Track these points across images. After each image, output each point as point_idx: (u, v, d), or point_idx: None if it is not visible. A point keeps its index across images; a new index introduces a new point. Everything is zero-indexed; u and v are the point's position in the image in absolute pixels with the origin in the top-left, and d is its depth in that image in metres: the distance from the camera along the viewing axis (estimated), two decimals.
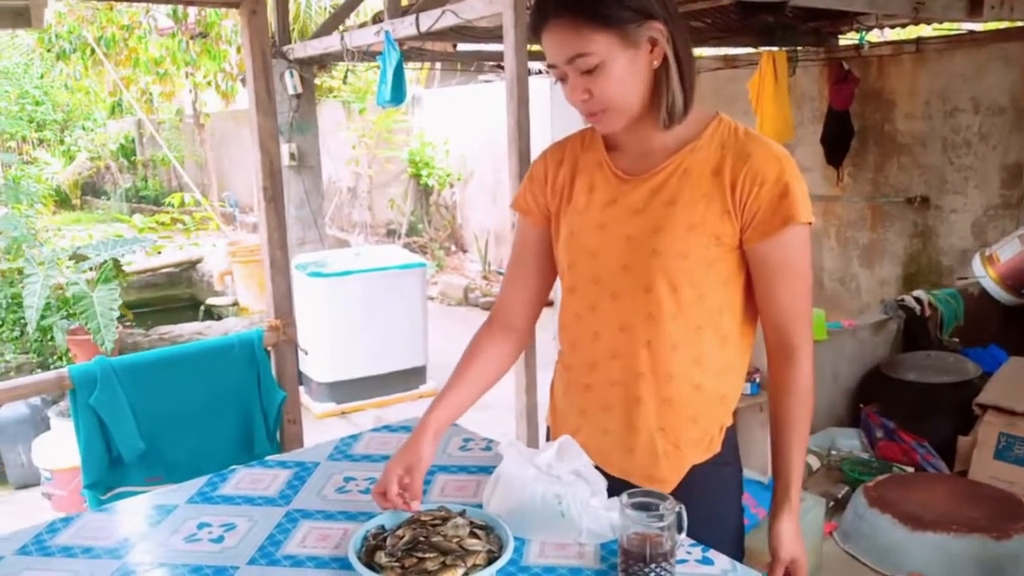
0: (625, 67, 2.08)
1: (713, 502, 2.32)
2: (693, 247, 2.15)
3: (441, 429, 2.35)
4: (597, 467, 2.18)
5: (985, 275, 6.37)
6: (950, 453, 5.37)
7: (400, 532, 2.05)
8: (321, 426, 7.66)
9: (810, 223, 2.15)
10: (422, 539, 2.00)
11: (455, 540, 2.01)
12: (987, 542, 4.13)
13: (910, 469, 5.23)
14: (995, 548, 4.12)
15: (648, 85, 2.13)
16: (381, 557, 1.97)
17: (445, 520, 2.10)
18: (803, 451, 2.30)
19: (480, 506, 2.21)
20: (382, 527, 2.12)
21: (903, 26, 8.83)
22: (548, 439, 2.57)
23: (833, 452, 5.45)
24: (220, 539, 2.20)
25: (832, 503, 4.85)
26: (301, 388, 7.78)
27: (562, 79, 2.16)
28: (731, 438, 2.36)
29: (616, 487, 2.17)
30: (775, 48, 7.98)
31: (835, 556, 4.52)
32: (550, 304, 2.84)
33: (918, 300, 6.32)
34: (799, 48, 8.31)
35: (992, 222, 7.67)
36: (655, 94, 2.15)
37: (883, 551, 4.36)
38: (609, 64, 2.06)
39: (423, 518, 2.12)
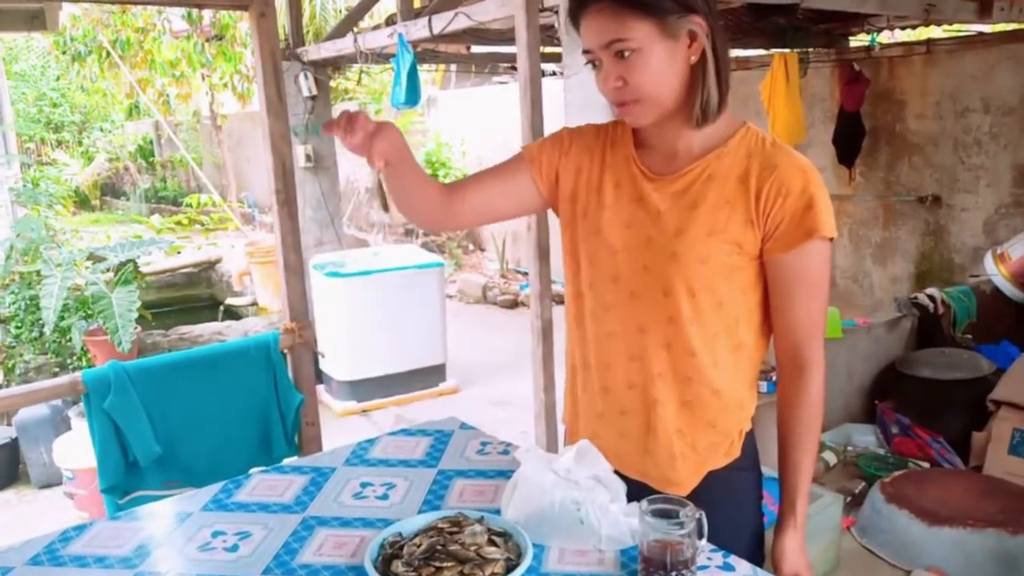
0: (662, 58, 2.06)
1: (732, 507, 2.31)
2: (714, 253, 2.13)
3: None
4: (615, 471, 2.16)
5: (997, 273, 6.42)
6: (965, 449, 5.44)
7: (417, 540, 2.03)
8: (342, 424, 7.69)
9: (832, 238, 2.13)
10: (439, 547, 1.98)
11: (473, 548, 1.98)
12: (1003, 536, 4.19)
13: (925, 464, 5.30)
14: (1010, 542, 4.17)
15: (683, 80, 2.11)
16: (398, 566, 1.94)
17: (463, 527, 2.07)
18: (811, 467, 2.29)
19: (498, 511, 2.19)
20: (399, 535, 2.09)
21: (913, 27, 8.83)
22: (565, 440, 2.55)
23: (849, 448, 5.55)
24: (235, 548, 2.18)
25: (849, 498, 4.91)
26: (322, 386, 7.84)
27: (596, 65, 2.15)
28: (750, 442, 2.34)
29: (633, 489, 2.16)
30: (787, 50, 7.99)
31: (853, 551, 4.57)
32: (561, 303, 2.81)
33: (931, 298, 6.39)
34: (810, 50, 8.34)
35: (1003, 220, 7.71)
36: (689, 91, 2.13)
37: (901, 546, 4.42)
38: (647, 53, 2.04)
39: (440, 525, 2.09)
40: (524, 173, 2.41)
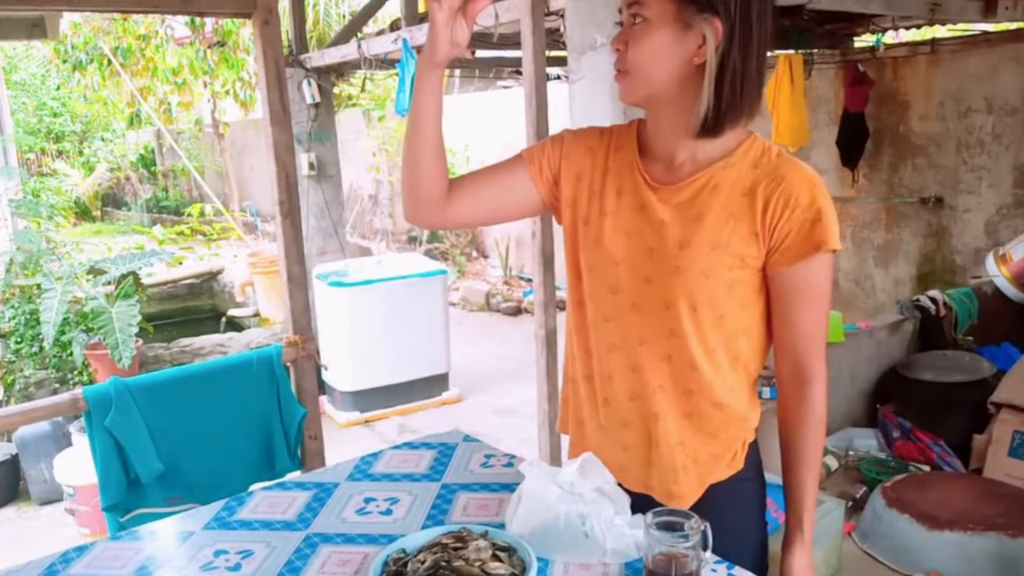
0: (666, 42, 2.04)
1: (737, 518, 2.30)
2: (716, 267, 2.10)
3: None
4: (619, 484, 2.15)
5: (999, 274, 6.43)
6: (966, 451, 5.47)
7: (421, 557, 2.01)
8: (345, 435, 7.69)
9: (836, 250, 2.11)
10: (443, 563, 1.96)
11: (477, 564, 1.97)
12: (1002, 539, 4.21)
13: (926, 468, 5.31)
14: (1010, 545, 4.19)
15: (680, 76, 2.08)
16: None
17: (467, 543, 2.06)
18: (816, 483, 2.27)
19: (502, 525, 2.18)
20: (403, 551, 2.07)
21: (918, 27, 8.82)
22: (570, 452, 2.54)
23: (851, 452, 5.58)
24: (237, 567, 2.16)
25: (850, 503, 4.93)
26: (324, 397, 7.81)
27: (621, 25, 2.14)
28: (754, 453, 2.33)
29: (637, 502, 2.16)
30: (791, 51, 7.95)
31: (854, 556, 4.59)
32: (562, 308, 2.79)
33: (933, 300, 6.42)
34: (815, 51, 8.30)
35: (1005, 221, 7.74)
36: (690, 94, 2.09)
37: (901, 551, 4.44)
38: (653, 28, 2.03)
39: (444, 541, 2.08)
40: (522, 172, 2.36)
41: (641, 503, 2.16)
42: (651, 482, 2.27)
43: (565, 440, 2.65)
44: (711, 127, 2.09)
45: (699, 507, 2.17)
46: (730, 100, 2.07)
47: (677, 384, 2.20)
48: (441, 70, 2.15)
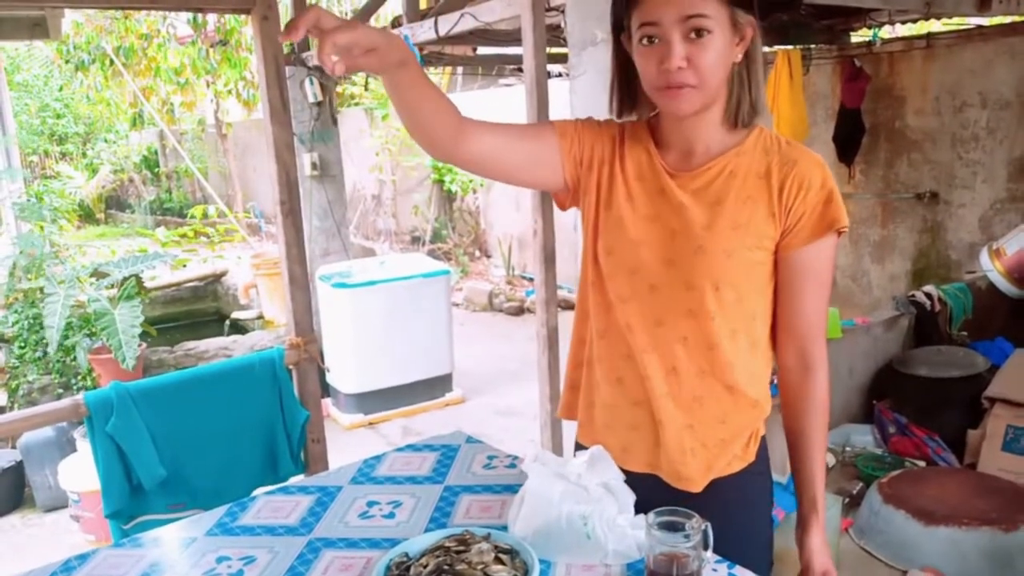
0: (725, 46, 2.07)
1: (747, 513, 2.33)
2: (737, 247, 2.15)
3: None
4: (623, 469, 2.18)
5: (992, 269, 6.43)
6: (960, 446, 5.49)
7: (424, 560, 2.02)
8: (349, 437, 7.69)
9: (845, 229, 2.18)
10: (446, 567, 1.97)
11: (479, 567, 1.98)
12: (996, 534, 4.23)
13: (922, 463, 5.34)
14: (1004, 539, 4.21)
15: (727, 75, 2.14)
16: None
17: (469, 546, 2.07)
18: (824, 465, 2.32)
19: (505, 527, 2.18)
20: (405, 555, 2.08)
21: (914, 22, 8.82)
22: (577, 434, 2.54)
23: (848, 448, 5.62)
24: (240, 573, 2.16)
25: (847, 499, 4.95)
26: (328, 400, 7.79)
27: (651, 41, 2.08)
28: (764, 447, 2.36)
29: (643, 483, 2.20)
30: (789, 46, 7.95)
31: (852, 552, 4.61)
32: (571, 308, 2.79)
33: (928, 295, 6.43)
34: (812, 46, 8.29)
35: (999, 216, 7.73)
36: (725, 91, 2.16)
37: (898, 546, 4.46)
38: (716, 36, 2.04)
39: (447, 544, 2.09)
40: (551, 143, 2.33)
41: (646, 484, 2.19)
42: (660, 463, 2.29)
43: (568, 441, 2.65)
44: (756, 113, 2.20)
45: (712, 500, 2.20)
46: (763, 87, 2.18)
47: (691, 365, 2.22)
48: (388, 75, 1.99)
